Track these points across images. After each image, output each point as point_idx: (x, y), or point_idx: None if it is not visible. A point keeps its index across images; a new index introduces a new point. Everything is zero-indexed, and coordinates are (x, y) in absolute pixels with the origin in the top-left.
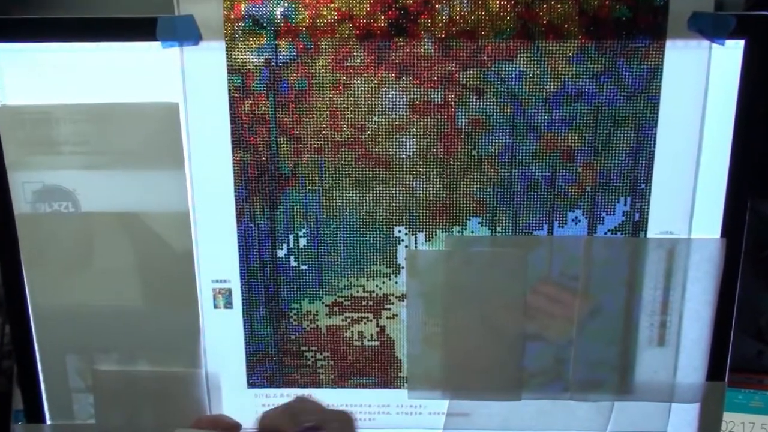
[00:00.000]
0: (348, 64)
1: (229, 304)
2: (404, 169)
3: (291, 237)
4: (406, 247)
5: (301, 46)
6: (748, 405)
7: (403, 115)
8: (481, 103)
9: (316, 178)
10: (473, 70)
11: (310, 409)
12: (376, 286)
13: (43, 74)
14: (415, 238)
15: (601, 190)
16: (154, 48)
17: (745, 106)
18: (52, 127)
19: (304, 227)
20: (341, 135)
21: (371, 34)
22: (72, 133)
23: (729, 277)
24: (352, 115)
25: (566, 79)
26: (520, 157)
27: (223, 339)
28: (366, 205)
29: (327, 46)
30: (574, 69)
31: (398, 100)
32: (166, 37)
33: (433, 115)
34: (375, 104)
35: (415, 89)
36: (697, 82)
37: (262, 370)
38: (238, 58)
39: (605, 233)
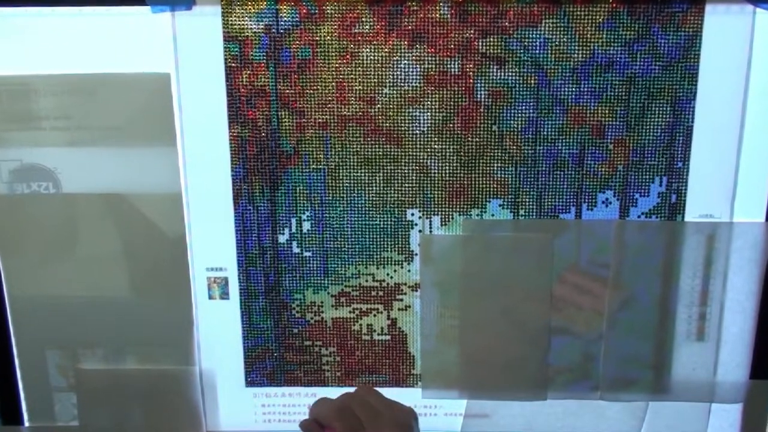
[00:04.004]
0: (356, 30)
1: (225, 295)
2: (418, 147)
3: (293, 221)
4: (419, 231)
5: (304, 10)
6: None
7: (416, 86)
8: (503, 74)
9: (321, 156)
10: (494, 38)
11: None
12: (387, 274)
13: (20, 42)
14: (430, 221)
15: (635, 169)
16: (143, 13)
17: None
18: (31, 99)
19: (307, 210)
20: (348, 109)
21: None
22: (53, 106)
23: None
24: (360, 87)
25: (596, 48)
26: (545, 133)
27: (218, 333)
28: (376, 186)
29: (333, 11)
30: (604, 36)
31: (411, 70)
32: (157, 1)
33: (449, 87)
34: (386, 75)
35: (429, 58)
36: (740, 50)
37: (261, 367)
38: (235, 24)
39: (639, 217)
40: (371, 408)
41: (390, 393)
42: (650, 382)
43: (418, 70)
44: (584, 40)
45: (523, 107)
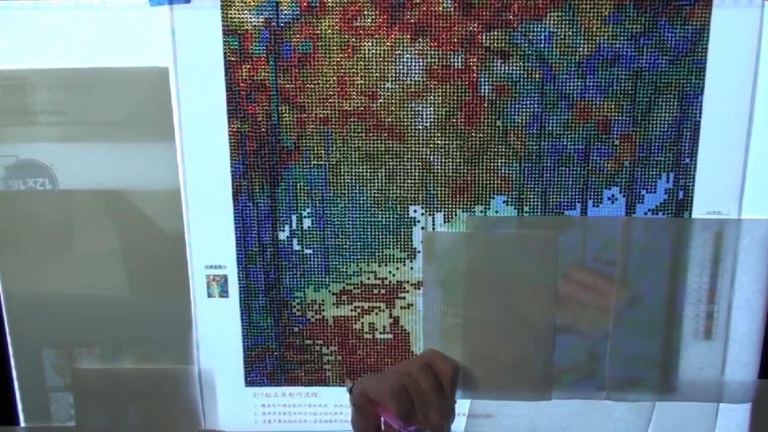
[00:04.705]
0: (357, 23)
1: (224, 293)
2: (420, 142)
3: (294, 217)
4: (422, 228)
5: (305, 3)
6: None
7: (419, 81)
8: (507, 68)
9: (322, 152)
10: (498, 31)
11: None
12: (389, 272)
13: (16, 35)
14: (433, 218)
15: (641, 165)
16: (141, 6)
17: None
18: (27, 94)
19: (308, 206)
20: (350, 103)
21: None
22: (49, 101)
23: None
24: (362, 81)
25: (602, 41)
26: (550, 129)
27: (218, 332)
28: (378, 182)
29: (334, 4)
30: (610, 29)
31: (414, 64)
32: None
33: (452, 81)
34: (388, 69)
35: (432, 52)
36: (748, 44)
37: (261, 367)
38: (234, 18)
39: (645, 213)
40: (424, 394)
41: None
42: (657, 382)
43: (421, 64)
44: (590, 33)
45: (528, 102)
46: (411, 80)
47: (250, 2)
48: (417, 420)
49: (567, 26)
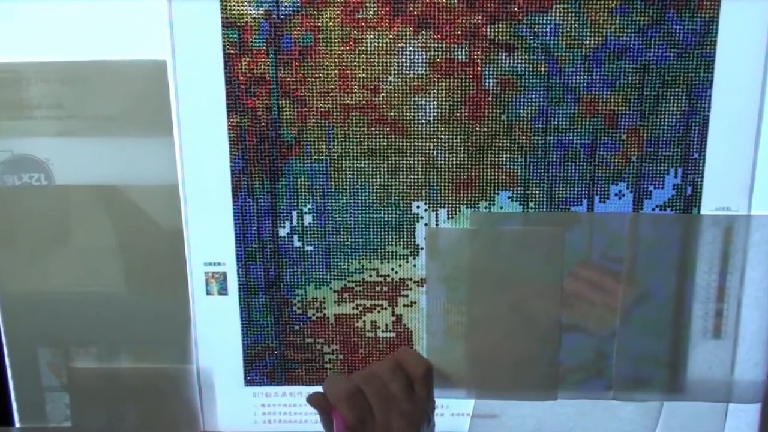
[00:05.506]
0: (359, 16)
1: (223, 290)
2: (424, 137)
3: (294, 213)
4: (425, 224)
5: None
6: None
7: (422, 74)
8: (512, 61)
9: (323, 147)
10: (502, 23)
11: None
12: (392, 269)
13: (11, 27)
14: (436, 214)
15: (649, 160)
16: None
17: None
18: (22, 88)
19: (309, 202)
20: (352, 97)
21: None
22: (45, 94)
23: None
24: (364, 75)
25: (608, 34)
26: (555, 123)
27: (216, 330)
28: (380, 177)
29: None
30: (617, 22)
31: (417, 57)
32: None
33: (456, 75)
34: (390, 62)
35: (436, 45)
36: (758, 36)
37: (261, 366)
38: (233, 10)
39: (653, 209)
40: (387, 396)
41: None
42: (665, 382)
43: (424, 57)
44: (596, 25)
45: (533, 96)
46: (414, 74)
47: None
48: (376, 426)
49: (573, 18)
